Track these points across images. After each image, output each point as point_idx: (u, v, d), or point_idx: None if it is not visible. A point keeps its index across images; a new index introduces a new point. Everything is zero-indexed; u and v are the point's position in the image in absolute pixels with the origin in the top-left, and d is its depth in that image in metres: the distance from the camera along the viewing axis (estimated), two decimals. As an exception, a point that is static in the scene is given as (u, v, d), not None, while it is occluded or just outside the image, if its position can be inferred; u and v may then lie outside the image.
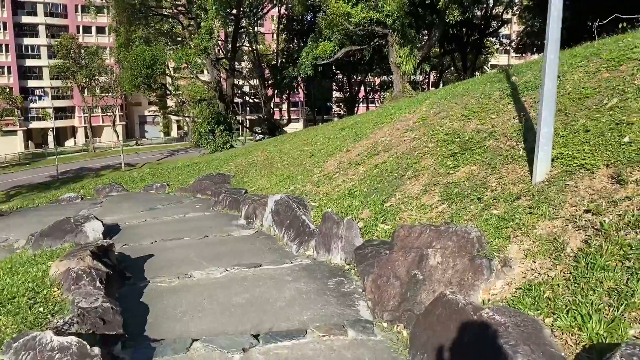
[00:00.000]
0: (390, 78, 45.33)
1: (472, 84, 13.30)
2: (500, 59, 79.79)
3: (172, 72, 47.38)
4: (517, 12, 47.61)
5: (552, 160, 6.19)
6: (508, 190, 6.39)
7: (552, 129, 6.05)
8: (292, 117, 66.36)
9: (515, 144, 7.56)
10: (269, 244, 8.80)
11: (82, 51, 68.48)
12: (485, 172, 7.24)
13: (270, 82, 50.63)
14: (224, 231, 10.02)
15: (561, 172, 5.96)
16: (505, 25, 51.59)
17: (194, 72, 41.33)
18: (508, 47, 65.68)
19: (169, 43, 44.99)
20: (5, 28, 71.53)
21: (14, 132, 72.91)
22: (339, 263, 7.30)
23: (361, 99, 62.59)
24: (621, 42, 9.82)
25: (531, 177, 6.32)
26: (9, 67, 72.36)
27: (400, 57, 26.65)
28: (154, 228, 10.70)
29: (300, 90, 66.73)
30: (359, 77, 53.57)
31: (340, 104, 69.99)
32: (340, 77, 54.25)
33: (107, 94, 68.27)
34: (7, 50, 72.11)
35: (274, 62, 50.77)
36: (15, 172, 62.96)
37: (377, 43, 31.35)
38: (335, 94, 71.74)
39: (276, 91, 51.46)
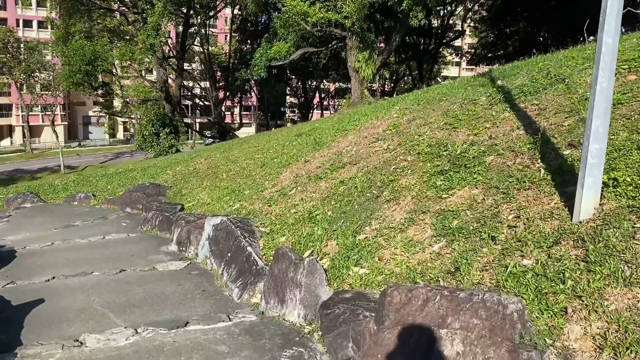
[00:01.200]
0: (347, 85, 43.74)
1: (448, 88, 11.54)
2: (452, 71, 79.93)
3: (118, 71, 44.11)
4: (472, 24, 47.09)
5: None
6: (536, 228, 4.50)
7: (605, 145, 4.20)
8: (244, 122, 63.84)
9: (529, 162, 5.72)
10: (203, 285, 6.63)
11: (22, 45, 63.90)
12: (494, 199, 5.35)
13: (221, 84, 48.13)
14: (148, 261, 7.77)
15: (620, 208, 4.11)
16: (461, 37, 51.01)
17: (140, 70, 38.36)
18: (460, 60, 65.53)
19: (115, 40, 41.88)
20: (-64, 18, 65.85)
21: (-58, 130, 67.17)
22: (296, 321, 5.23)
23: (316, 105, 60.82)
24: (626, 43, 8.28)
25: (570, 211, 4.45)
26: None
27: (359, 61, 24.90)
28: (59, 255, 8.32)
29: (253, 93, 64.45)
30: (314, 83, 51.79)
31: (295, 109, 68.12)
32: (295, 81, 52.32)
33: (47, 92, 63.84)
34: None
35: (225, 64, 48.27)
36: (-59, 173, 57.62)
37: (334, 46, 29.56)
38: (290, 99, 69.80)
39: (228, 94, 48.96)
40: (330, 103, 68.35)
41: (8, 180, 55.46)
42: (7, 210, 13.13)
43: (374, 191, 7.15)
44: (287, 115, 77.23)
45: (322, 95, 61.58)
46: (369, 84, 29.88)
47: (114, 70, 40.60)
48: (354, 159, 8.90)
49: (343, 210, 7.02)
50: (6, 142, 75.35)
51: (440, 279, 4.51)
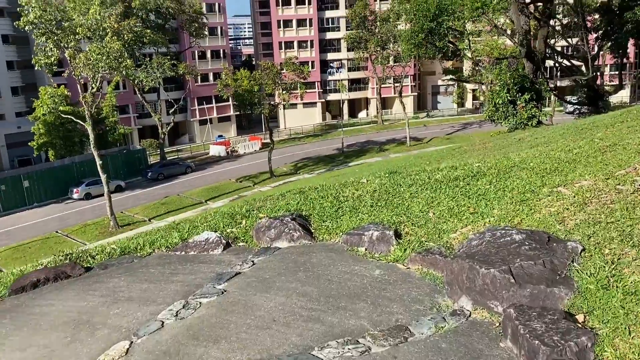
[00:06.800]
0: None
1: None
2: None
3: (467, 27, 36.55)
4: None
5: None
6: None
7: None
8: (613, 83, 48.56)
9: None
10: None
11: (377, 17, 62.91)
12: None
13: (599, 32, 35.51)
14: None
15: None
16: None
17: (494, 22, 29.99)
18: None
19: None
20: (309, 3, 70.76)
21: (313, 104, 72.76)
22: None
23: None
24: None
25: None
26: (311, 41, 71.81)
27: None
28: None
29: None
30: None
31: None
32: None
33: (397, 64, 61.54)
34: (310, 25, 71.50)
35: (605, 5, 35.30)
36: (307, 144, 61.66)
37: None
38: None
39: (608, 46, 35.99)
40: None
41: (359, 152, 55.34)
42: (256, 247, 7.04)
43: None
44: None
45: None
46: None
47: (462, 26, 33.16)
48: None
49: None
50: (362, 114, 77.74)
51: None
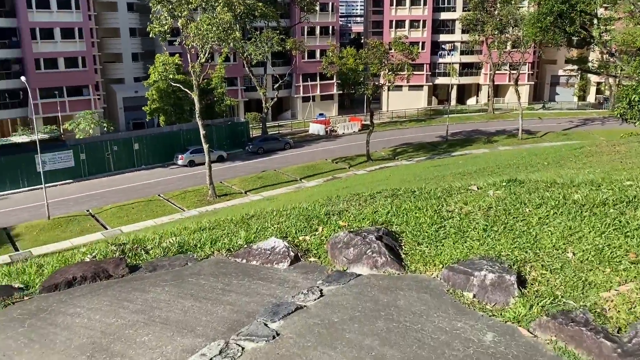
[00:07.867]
0: None
1: None
2: None
3: (598, 11, 32.02)
4: None
5: None
6: None
7: None
8: None
9: None
10: None
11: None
12: None
13: None
14: None
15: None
16: None
17: (632, 6, 25.71)
18: None
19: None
20: (425, -19, 67.17)
21: (420, 87, 69.57)
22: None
23: None
24: None
25: None
26: (424, 21, 68.31)
27: None
28: None
29: None
30: None
31: None
32: None
33: (515, 49, 56.70)
34: (424, 4, 67.92)
35: None
36: (409, 129, 59.04)
37: None
38: None
39: None
40: None
41: (464, 141, 51.90)
42: (330, 265, 5.52)
43: None
44: None
45: None
46: None
47: (595, 10, 28.91)
48: None
49: None
50: (471, 101, 73.15)
51: None
